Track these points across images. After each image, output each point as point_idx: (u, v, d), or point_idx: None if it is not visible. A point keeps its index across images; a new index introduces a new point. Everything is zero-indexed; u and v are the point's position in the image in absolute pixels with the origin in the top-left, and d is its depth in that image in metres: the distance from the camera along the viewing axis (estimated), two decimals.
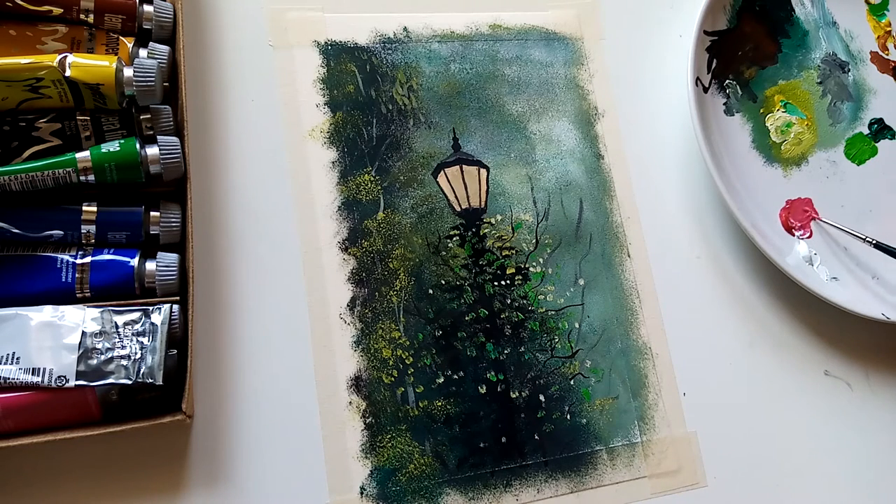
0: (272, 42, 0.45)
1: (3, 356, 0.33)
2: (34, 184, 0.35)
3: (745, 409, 0.46)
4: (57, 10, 0.38)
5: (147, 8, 0.39)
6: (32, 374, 0.33)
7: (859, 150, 0.54)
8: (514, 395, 0.43)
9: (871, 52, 0.56)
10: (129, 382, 0.34)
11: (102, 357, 0.34)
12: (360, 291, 0.42)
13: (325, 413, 0.40)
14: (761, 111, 0.53)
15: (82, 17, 0.38)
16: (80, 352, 0.33)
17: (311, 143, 0.44)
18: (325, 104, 0.45)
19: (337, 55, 0.46)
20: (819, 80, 0.54)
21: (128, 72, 0.36)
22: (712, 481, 0.44)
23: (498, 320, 0.44)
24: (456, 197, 0.45)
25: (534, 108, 0.48)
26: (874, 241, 0.36)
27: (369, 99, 0.45)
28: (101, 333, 0.34)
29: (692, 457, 0.44)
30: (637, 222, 0.48)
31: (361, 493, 0.39)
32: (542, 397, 0.43)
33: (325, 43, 0.46)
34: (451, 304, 0.43)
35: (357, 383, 0.41)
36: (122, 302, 0.36)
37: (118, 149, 0.36)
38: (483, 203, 0.46)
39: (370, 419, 0.40)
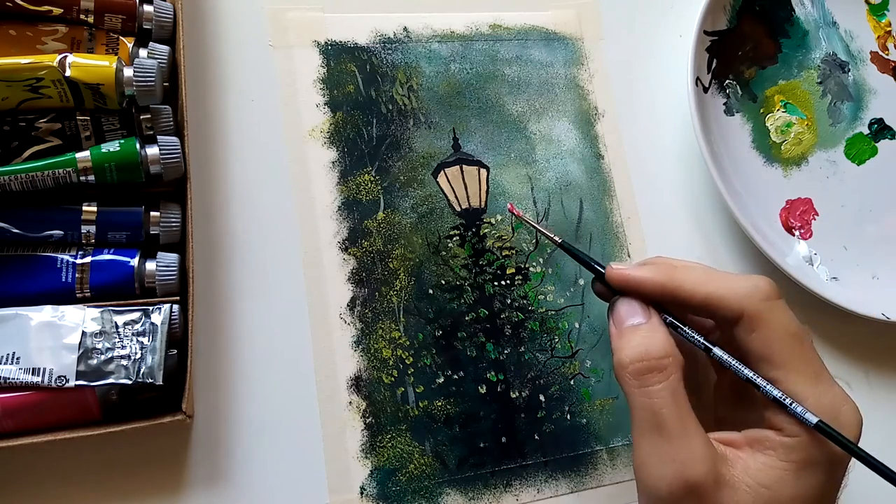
0: (272, 42, 0.45)
1: (3, 356, 0.33)
2: (34, 184, 0.35)
3: None
4: (57, 10, 0.38)
5: (147, 8, 0.39)
6: (32, 374, 0.33)
7: (859, 150, 0.54)
8: (514, 395, 0.43)
9: (871, 52, 0.56)
10: (129, 382, 0.34)
11: (102, 357, 0.34)
12: (360, 291, 0.42)
13: (325, 413, 0.40)
14: (761, 111, 0.53)
15: (82, 17, 0.38)
16: (80, 352, 0.33)
17: (311, 143, 0.44)
18: (325, 104, 0.45)
19: (337, 55, 0.46)
20: (819, 80, 0.54)
21: (128, 72, 0.36)
22: None
23: (498, 320, 0.44)
24: (456, 197, 0.45)
25: (534, 108, 0.48)
26: (561, 241, 0.39)
27: (369, 99, 0.45)
28: (101, 333, 0.34)
29: None
30: (637, 222, 0.48)
31: (361, 493, 0.39)
32: (542, 397, 0.43)
33: (325, 43, 0.46)
34: (451, 304, 0.43)
35: (357, 383, 0.41)
36: (122, 302, 0.36)
37: (118, 149, 0.36)
38: (483, 203, 0.46)
39: (370, 419, 0.40)
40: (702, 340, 0.35)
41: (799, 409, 0.32)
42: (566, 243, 0.39)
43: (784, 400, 0.32)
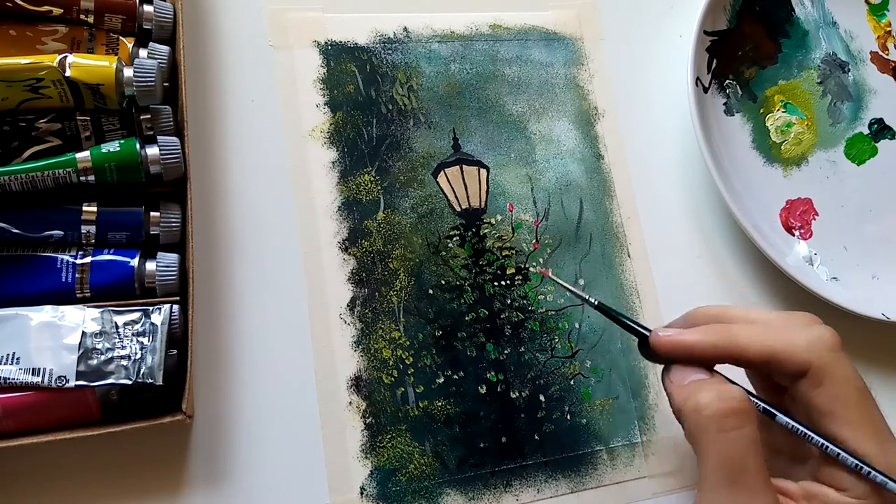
0: (272, 42, 0.45)
1: (3, 356, 0.33)
2: (34, 184, 0.35)
3: None
4: (57, 11, 0.38)
5: (147, 8, 0.39)
6: (32, 374, 0.33)
7: (859, 150, 0.54)
8: (514, 395, 0.43)
9: (871, 52, 0.56)
10: (129, 382, 0.34)
11: (102, 357, 0.34)
12: (360, 291, 0.42)
13: (325, 413, 0.40)
14: (761, 111, 0.53)
15: (82, 17, 0.38)
16: (80, 352, 0.33)
17: (311, 143, 0.44)
18: (325, 104, 0.45)
19: (337, 55, 0.46)
20: (819, 80, 0.54)
21: (128, 72, 0.36)
22: None
23: (498, 320, 0.44)
24: (456, 197, 0.45)
25: (534, 108, 0.48)
26: (597, 302, 0.37)
27: (369, 99, 0.45)
28: (101, 333, 0.34)
29: (692, 457, 0.44)
30: (637, 222, 0.48)
31: (361, 493, 0.39)
32: (542, 397, 0.43)
33: (325, 43, 0.46)
34: (451, 304, 0.43)
35: (357, 383, 0.41)
36: (122, 302, 0.36)
37: (118, 149, 0.36)
38: (483, 203, 0.46)
39: (370, 419, 0.40)
40: (764, 405, 0.34)
41: (879, 479, 0.31)
42: (603, 305, 0.38)
43: (863, 469, 0.32)
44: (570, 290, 0.39)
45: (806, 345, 0.33)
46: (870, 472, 0.32)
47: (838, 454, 0.32)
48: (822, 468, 0.33)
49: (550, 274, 0.42)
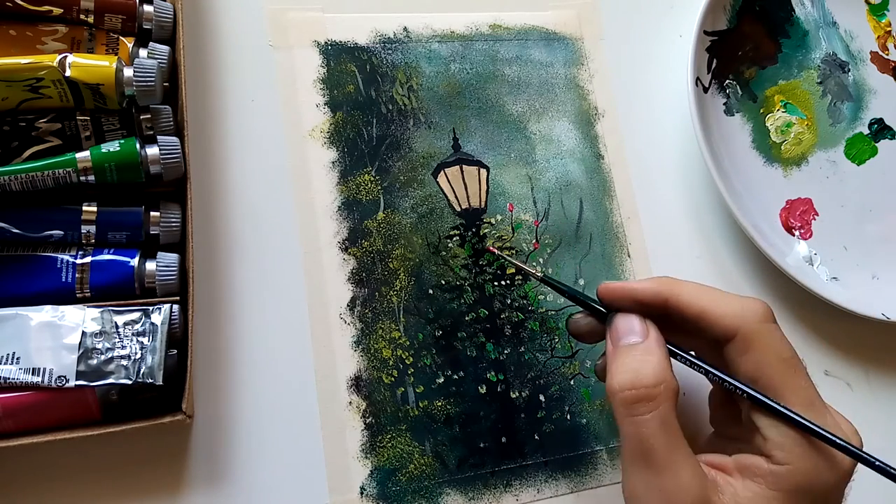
0: (272, 42, 0.45)
1: (3, 356, 0.33)
2: (34, 184, 0.35)
3: None
4: (57, 10, 0.38)
5: (147, 8, 0.39)
6: (32, 374, 0.33)
7: (859, 150, 0.54)
8: (514, 395, 0.43)
9: (871, 52, 0.56)
10: (129, 382, 0.34)
11: (102, 357, 0.34)
12: (360, 291, 0.42)
13: (325, 413, 0.40)
14: (761, 111, 0.53)
15: (82, 17, 0.38)
16: (80, 352, 0.33)
17: (311, 143, 0.44)
18: (325, 104, 0.45)
19: (337, 55, 0.46)
20: (819, 80, 0.54)
21: (128, 72, 0.36)
22: None
23: (498, 320, 0.44)
24: (456, 197, 0.45)
25: (534, 108, 0.48)
26: (542, 275, 0.40)
27: (369, 99, 0.45)
28: (101, 333, 0.34)
29: None
30: (637, 222, 0.48)
31: (361, 493, 0.39)
32: (542, 397, 0.43)
33: (325, 43, 0.46)
34: (451, 304, 0.43)
35: (357, 383, 0.41)
36: (122, 302, 0.36)
37: (118, 149, 0.36)
38: (483, 203, 0.46)
39: (370, 419, 0.40)
40: (703, 365, 0.35)
41: (832, 435, 0.31)
42: (549, 277, 0.40)
43: (818, 426, 0.32)
44: (515, 264, 0.42)
45: (737, 311, 0.34)
46: (792, 416, 0.32)
47: (774, 410, 0.32)
48: (755, 439, 0.33)
49: (494, 249, 0.44)
